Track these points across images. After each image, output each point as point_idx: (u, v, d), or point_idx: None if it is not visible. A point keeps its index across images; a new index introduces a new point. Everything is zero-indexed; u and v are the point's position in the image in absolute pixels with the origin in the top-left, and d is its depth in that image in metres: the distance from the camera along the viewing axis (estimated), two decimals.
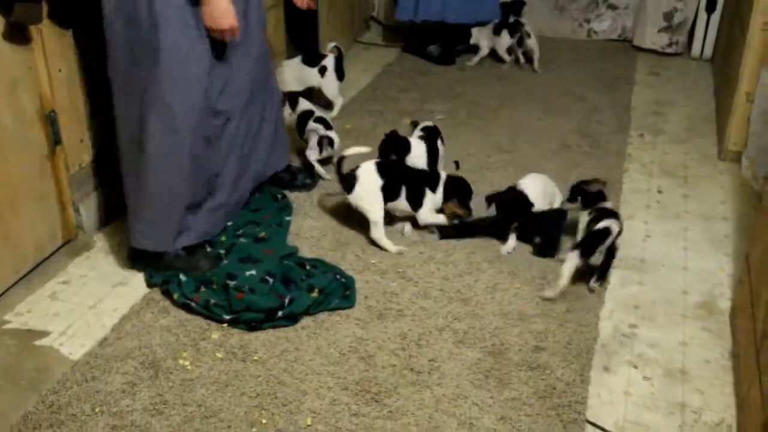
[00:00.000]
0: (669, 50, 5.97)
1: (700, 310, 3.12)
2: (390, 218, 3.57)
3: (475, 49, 5.81)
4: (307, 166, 4.06)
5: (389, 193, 3.47)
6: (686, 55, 6.01)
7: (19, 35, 3.00)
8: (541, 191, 3.54)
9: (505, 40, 5.71)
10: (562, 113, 4.94)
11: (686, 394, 2.68)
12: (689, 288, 3.26)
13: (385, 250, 3.45)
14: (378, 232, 3.45)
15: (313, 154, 4.04)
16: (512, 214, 3.47)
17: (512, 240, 3.48)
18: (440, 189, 3.53)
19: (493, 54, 5.81)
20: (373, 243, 3.47)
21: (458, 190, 3.54)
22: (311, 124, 4.10)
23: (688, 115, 4.97)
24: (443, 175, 3.58)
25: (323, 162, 4.09)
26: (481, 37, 5.75)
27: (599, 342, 2.92)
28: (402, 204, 3.53)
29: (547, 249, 3.43)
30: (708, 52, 5.89)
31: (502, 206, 3.48)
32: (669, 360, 2.84)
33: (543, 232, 3.46)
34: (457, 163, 4.10)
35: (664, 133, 4.72)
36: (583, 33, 6.36)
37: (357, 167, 3.51)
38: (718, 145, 4.50)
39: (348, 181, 3.47)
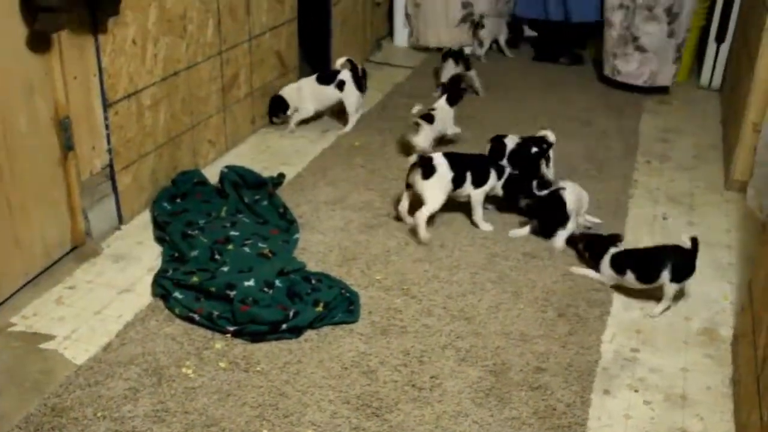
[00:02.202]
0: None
1: (702, 337, 3.13)
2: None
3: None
4: None
5: (457, 182, 3.77)
6: (695, 84, 6.02)
7: (38, 42, 3.05)
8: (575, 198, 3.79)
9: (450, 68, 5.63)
10: (570, 137, 4.96)
11: (686, 420, 2.68)
12: (692, 314, 3.27)
13: (418, 234, 3.65)
14: (425, 217, 3.67)
15: None
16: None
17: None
18: (502, 180, 3.87)
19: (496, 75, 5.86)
20: (377, 260, 3.50)
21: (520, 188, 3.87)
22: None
23: (695, 144, 5.00)
24: (508, 171, 3.95)
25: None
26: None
27: (600, 365, 2.93)
28: (466, 189, 3.83)
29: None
30: (717, 81, 5.92)
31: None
32: (670, 385, 2.85)
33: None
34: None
35: (670, 160, 4.75)
36: (608, 69, 5.96)
37: (431, 158, 3.73)
38: (724, 174, 4.52)
39: (426, 169, 3.69)
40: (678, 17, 5.57)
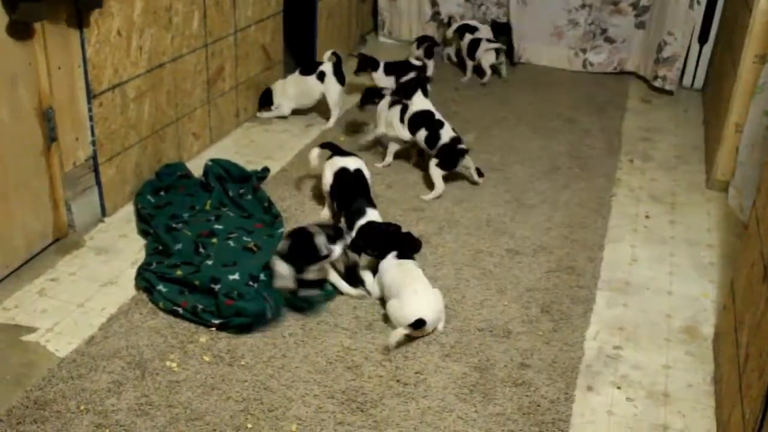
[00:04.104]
0: (655, 84, 5.96)
1: (684, 335, 3.16)
2: None
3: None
4: None
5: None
6: (677, 84, 6.05)
7: (21, 31, 3.02)
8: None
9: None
10: (553, 135, 4.99)
11: (668, 417, 2.71)
12: (673, 312, 3.30)
13: None
14: None
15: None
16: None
17: None
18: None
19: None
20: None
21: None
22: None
23: (677, 143, 5.03)
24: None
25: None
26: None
27: (584, 362, 2.95)
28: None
29: None
30: (699, 82, 5.96)
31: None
32: (652, 382, 2.87)
33: None
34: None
35: (653, 159, 4.78)
36: (579, 63, 6.29)
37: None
38: (705, 174, 4.56)
39: None
40: (648, 10, 5.95)
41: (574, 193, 4.21)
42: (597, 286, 3.42)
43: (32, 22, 3.04)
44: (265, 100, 4.98)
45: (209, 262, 3.23)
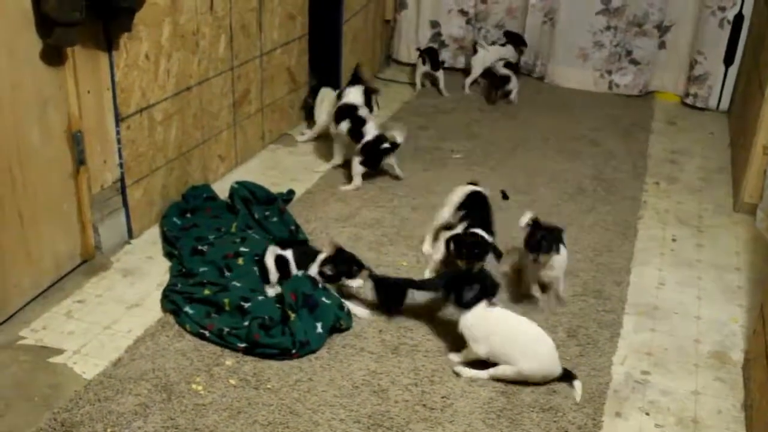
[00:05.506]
0: (687, 101, 6.01)
1: (713, 360, 3.12)
2: None
3: None
4: None
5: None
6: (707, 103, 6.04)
7: (54, 55, 3.06)
8: None
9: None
10: (577, 157, 4.98)
11: None
12: (702, 337, 3.26)
13: None
14: None
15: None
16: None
17: None
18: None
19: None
20: None
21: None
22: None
23: (704, 166, 5.00)
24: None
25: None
26: None
27: (612, 387, 2.92)
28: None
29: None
30: (725, 104, 5.93)
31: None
32: (681, 408, 2.84)
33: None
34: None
35: (679, 181, 4.75)
36: (605, 85, 6.28)
37: None
38: (733, 197, 4.52)
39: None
40: (670, 30, 6.01)
41: (600, 216, 4.18)
42: (624, 310, 3.39)
43: (66, 46, 3.08)
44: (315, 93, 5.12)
45: (237, 284, 3.25)
